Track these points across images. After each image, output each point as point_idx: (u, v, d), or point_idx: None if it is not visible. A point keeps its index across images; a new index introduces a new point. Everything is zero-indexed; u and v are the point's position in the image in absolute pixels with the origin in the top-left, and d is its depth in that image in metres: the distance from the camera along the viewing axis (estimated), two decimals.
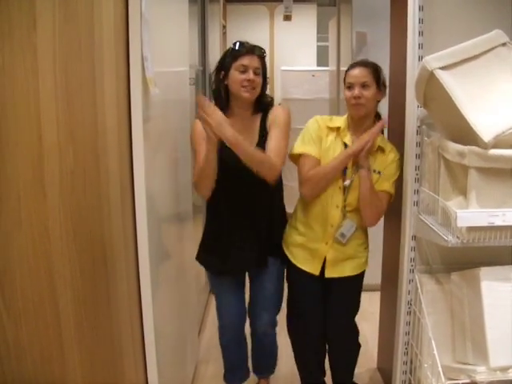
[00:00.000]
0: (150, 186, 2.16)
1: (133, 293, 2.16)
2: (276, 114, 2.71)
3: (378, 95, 2.68)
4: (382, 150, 2.70)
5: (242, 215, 2.75)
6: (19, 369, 1.91)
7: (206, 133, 2.44)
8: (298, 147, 2.75)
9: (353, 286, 2.86)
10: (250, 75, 2.60)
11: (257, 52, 2.65)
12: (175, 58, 2.88)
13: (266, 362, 3.24)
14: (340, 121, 2.77)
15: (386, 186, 2.66)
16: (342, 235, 2.70)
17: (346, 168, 2.68)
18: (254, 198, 2.75)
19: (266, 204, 2.81)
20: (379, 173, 2.67)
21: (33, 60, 1.72)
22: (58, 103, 1.78)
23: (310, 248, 2.77)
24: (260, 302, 2.95)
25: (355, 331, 2.99)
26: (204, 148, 2.51)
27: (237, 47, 2.65)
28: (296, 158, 2.78)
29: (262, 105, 2.74)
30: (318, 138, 2.73)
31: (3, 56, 1.68)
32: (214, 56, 4.76)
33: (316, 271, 2.77)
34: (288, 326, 3.04)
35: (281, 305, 3.01)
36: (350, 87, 2.66)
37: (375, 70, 2.67)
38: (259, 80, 2.65)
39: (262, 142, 2.67)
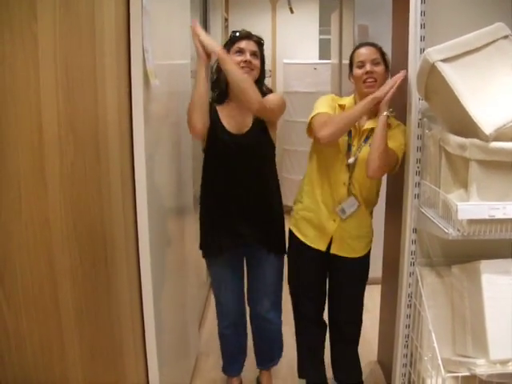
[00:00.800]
0: (150, 178, 2.16)
1: (133, 284, 2.16)
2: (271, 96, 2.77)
3: (386, 74, 2.73)
4: (388, 125, 2.68)
5: (240, 190, 2.77)
6: (19, 360, 1.91)
7: (196, 52, 2.58)
8: (315, 111, 2.75)
9: (359, 266, 2.89)
10: (247, 56, 2.67)
11: (254, 38, 2.74)
12: (177, 50, 2.88)
13: (268, 351, 3.21)
14: (347, 100, 2.82)
15: (392, 145, 2.64)
16: (342, 210, 2.73)
17: (350, 145, 2.70)
18: (251, 174, 2.78)
19: (263, 183, 2.83)
20: None
21: (33, 50, 1.71)
22: (59, 94, 1.78)
23: (318, 225, 2.81)
24: (260, 288, 2.97)
25: (359, 311, 2.99)
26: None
27: (233, 34, 2.76)
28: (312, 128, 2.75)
29: (261, 93, 2.73)
30: (332, 106, 2.77)
31: (3, 46, 1.67)
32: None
33: (323, 247, 2.81)
34: (292, 301, 3.05)
35: (281, 293, 3.02)
36: (360, 66, 2.70)
37: (381, 50, 2.74)
38: (257, 63, 2.72)
39: (256, 129, 2.74)
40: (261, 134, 2.76)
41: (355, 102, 2.76)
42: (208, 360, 3.56)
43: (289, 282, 3.01)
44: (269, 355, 3.21)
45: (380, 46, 2.75)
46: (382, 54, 2.72)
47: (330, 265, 2.89)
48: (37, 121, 1.75)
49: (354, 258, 2.83)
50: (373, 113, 2.70)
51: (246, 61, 2.66)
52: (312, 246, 2.84)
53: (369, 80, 2.67)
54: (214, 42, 2.62)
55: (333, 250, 2.81)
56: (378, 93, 2.62)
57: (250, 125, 2.74)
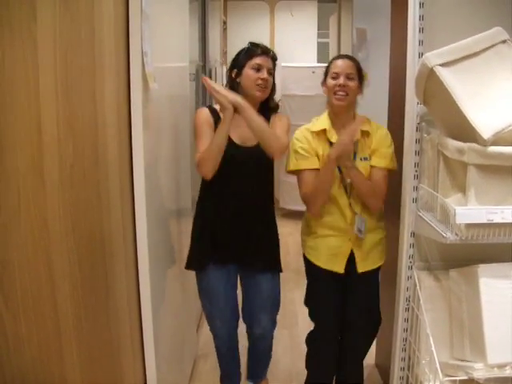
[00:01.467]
0: (149, 181, 2.16)
1: (131, 287, 2.16)
2: (280, 118, 2.78)
3: (358, 88, 2.73)
4: (366, 133, 2.73)
5: (241, 203, 2.74)
6: (17, 362, 1.90)
7: (220, 105, 2.56)
8: (293, 164, 2.79)
9: (374, 276, 2.90)
10: (265, 74, 2.65)
11: (271, 54, 2.72)
12: (176, 53, 2.88)
13: (262, 366, 3.19)
14: (322, 122, 2.80)
15: (383, 162, 2.70)
16: (360, 231, 2.74)
17: (339, 167, 2.70)
18: (252, 195, 2.75)
19: (262, 203, 2.81)
20: (366, 159, 2.72)
21: (33, 52, 1.71)
22: (58, 97, 1.78)
23: (333, 247, 2.79)
24: (257, 304, 2.91)
25: (379, 322, 2.98)
26: (208, 132, 2.61)
27: (252, 46, 2.71)
28: (293, 173, 2.83)
29: (268, 108, 2.77)
30: (309, 147, 2.77)
31: (3, 48, 1.67)
32: (215, 52, 4.77)
33: (341, 269, 2.79)
34: (314, 322, 2.98)
35: (279, 307, 2.97)
36: (334, 77, 2.70)
37: (358, 65, 2.75)
38: (271, 80, 2.71)
39: None
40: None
41: (330, 118, 2.77)
42: (206, 362, 3.55)
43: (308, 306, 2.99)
44: (262, 369, 3.20)
45: (358, 62, 2.76)
46: (359, 70, 2.73)
47: (347, 284, 2.86)
48: (36, 123, 1.75)
49: (372, 270, 2.84)
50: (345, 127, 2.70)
51: (263, 78, 2.64)
52: (329, 269, 2.81)
53: (340, 93, 2.68)
54: (230, 93, 2.60)
55: (360, 269, 2.79)
56: (334, 152, 2.61)
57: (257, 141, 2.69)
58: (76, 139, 1.85)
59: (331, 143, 2.71)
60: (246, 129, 2.61)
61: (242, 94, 2.66)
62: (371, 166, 2.72)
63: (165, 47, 2.53)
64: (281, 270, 2.89)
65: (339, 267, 2.78)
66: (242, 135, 2.68)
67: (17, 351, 1.88)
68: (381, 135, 2.74)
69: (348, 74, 2.68)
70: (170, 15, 2.71)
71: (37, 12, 1.71)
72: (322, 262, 2.81)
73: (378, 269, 2.88)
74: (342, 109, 2.72)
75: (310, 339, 3.02)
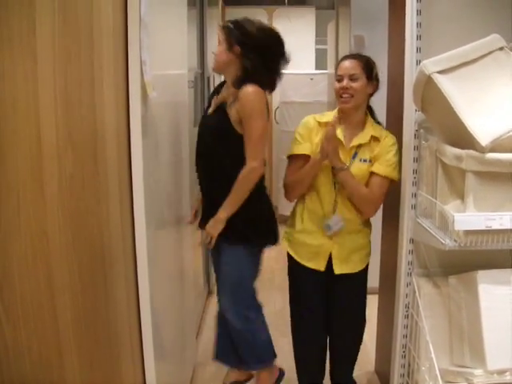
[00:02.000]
0: (148, 189, 2.17)
1: (131, 296, 2.16)
2: (241, 103, 2.68)
3: (368, 88, 2.72)
4: (376, 139, 2.72)
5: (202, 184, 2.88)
6: (18, 371, 1.90)
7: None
8: (289, 150, 2.83)
9: (358, 279, 2.89)
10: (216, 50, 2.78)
11: (222, 25, 2.86)
12: (174, 61, 2.89)
13: (239, 348, 3.00)
14: (330, 116, 2.79)
15: (382, 170, 2.69)
16: (328, 226, 2.73)
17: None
18: (208, 169, 2.83)
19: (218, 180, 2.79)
20: (370, 161, 2.72)
21: (32, 64, 1.72)
22: (58, 107, 1.79)
23: (313, 245, 2.80)
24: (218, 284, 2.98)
25: (362, 325, 3.01)
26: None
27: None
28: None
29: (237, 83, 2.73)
30: (307, 133, 2.78)
31: (3, 60, 1.68)
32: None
33: (321, 267, 2.80)
34: (292, 323, 3.04)
35: (243, 292, 2.90)
36: (339, 79, 2.71)
37: (366, 63, 2.71)
38: (220, 50, 2.78)
39: (218, 111, 2.75)
40: (220, 119, 2.72)
41: (338, 114, 2.76)
42: (205, 370, 3.55)
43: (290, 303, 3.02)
44: (236, 355, 3.05)
45: (365, 58, 2.74)
46: (367, 67, 2.70)
47: (329, 283, 2.87)
48: (36, 134, 1.75)
49: (354, 273, 2.83)
50: (359, 128, 2.73)
51: (214, 53, 2.86)
52: (310, 266, 2.83)
53: (344, 95, 2.68)
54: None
55: (336, 270, 2.79)
56: (318, 157, 2.66)
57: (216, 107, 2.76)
58: (75, 149, 1.85)
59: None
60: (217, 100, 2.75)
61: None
62: (371, 173, 2.72)
63: (163, 55, 2.53)
64: (244, 241, 2.80)
65: (320, 265, 2.81)
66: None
67: (17, 360, 1.88)
68: (387, 143, 2.73)
69: (351, 76, 2.67)
70: (168, 23, 2.71)
71: (36, 24, 1.71)
72: (304, 260, 2.84)
73: (362, 271, 2.88)
74: (348, 111, 2.72)
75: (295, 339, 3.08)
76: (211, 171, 2.79)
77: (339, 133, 2.69)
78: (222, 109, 2.70)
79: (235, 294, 2.86)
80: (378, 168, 2.70)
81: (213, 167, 2.77)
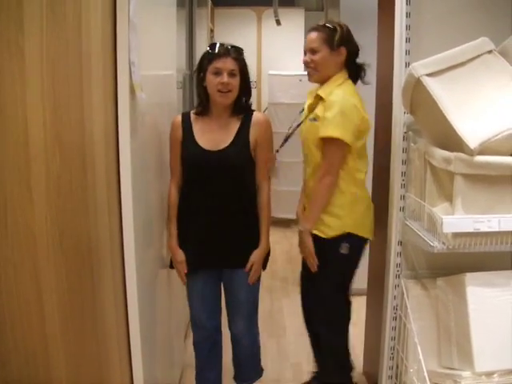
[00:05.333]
0: (136, 190, 2.16)
1: (119, 296, 2.15)
2: (264, 128, 2.69)
3: (334, 57, 2.67)
4: (321, 98, 2.68)
5: (215, 214, 2.66)
6: (4, 373, 1.90)
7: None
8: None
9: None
10: (224, 78, 2.51)
11: (232, 54, 2.55)
12: (163, 61, 2.88)
13: (246, 366, 3.05)
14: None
15: (322, 132, 2.60)
16: None
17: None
18: (228, 197, 2.66)
19: (240, 205, 2.71)
20: (315, 120, 2.67)
21: (20, 63, 1.71)
22: (45, 107, 1.78)
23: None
24: (234, 308, 2.86)
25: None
26: (174, 148, 2.66)
27: (211, 50, 2.57)
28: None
29: (240, 109, 2.66)
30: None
31: None
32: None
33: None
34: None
35: (256, 311, 2.90)
36: (304, 53, 2.74)
37: (327, 32, 2.66)
38: (235, 82, 2.55)
39: (237, 143, 2.62)
40: (241, 152, 2.64)
41: None
42: (193, 372, 3.53)
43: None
44: (246, 369, 3.06)
45: (325, 27, 2.68)
46: (328, 35, 2.64)
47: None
48: (23, 134, 1.75)
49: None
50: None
51: (222, 83, 2.50)
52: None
53: (308, 69, 2.74)
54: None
55: None
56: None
57: (231, 141, 2.61)
58: (63, 150, 1.84)
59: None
60: (215, 134, 2.61)
61: (210, 100, 2.61)
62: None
63: (152, 56, 2.52)
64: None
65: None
66: (210, 140, 2.62)
67: (3, 363, 1.87)
68: (328, 103, 2.61)
69: (311, 49, 2.67)
70: (157, 24, 2.70)
71: (24, 24, 1.71)
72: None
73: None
74: (316, 82, 2.73)
75: None
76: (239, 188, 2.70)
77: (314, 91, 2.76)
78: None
79: (254, 315, 2.88)
80: (322, 131, 2.61)
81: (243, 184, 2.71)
